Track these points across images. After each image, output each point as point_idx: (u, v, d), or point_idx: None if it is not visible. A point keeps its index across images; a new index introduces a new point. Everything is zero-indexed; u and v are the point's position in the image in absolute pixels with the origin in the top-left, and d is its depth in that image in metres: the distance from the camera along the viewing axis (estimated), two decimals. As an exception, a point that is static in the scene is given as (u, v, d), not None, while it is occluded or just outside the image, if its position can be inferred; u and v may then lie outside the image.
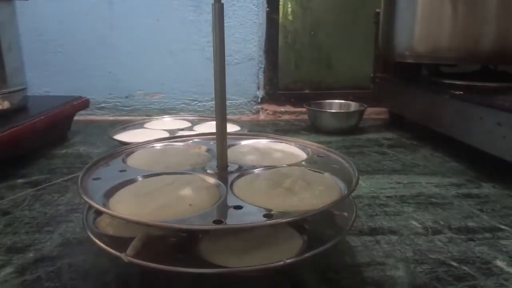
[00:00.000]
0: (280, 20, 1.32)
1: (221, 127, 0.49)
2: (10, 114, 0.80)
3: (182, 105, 1.31)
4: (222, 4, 0.44)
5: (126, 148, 0.58)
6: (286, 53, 1.36)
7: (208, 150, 0.58)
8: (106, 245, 0.39)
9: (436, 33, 0.90)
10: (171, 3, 1.24)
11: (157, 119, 1.06)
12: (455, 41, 0.87)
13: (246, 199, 0.41)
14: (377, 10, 1.13)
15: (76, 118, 1.02)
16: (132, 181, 0.46)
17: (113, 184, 0.45)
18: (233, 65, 1.29)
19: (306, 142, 0.60)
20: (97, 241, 0.40)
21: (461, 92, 0.82)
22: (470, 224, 0.56)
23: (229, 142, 0.52)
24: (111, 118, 1.28)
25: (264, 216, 0.38)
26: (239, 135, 0.65)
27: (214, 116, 0.49)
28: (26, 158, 0.81)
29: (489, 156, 0.70)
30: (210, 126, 0.95)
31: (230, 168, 0.50)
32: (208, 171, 0.49)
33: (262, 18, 1.28)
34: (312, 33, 1.36)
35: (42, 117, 0.82)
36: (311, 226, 0.44)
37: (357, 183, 0.44)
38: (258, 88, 1.33)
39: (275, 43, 1.31)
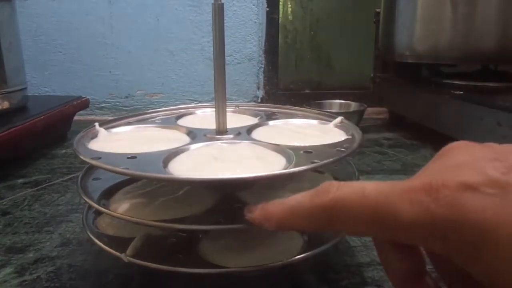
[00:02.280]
0: (280, 20, 1.32)
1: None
2: (10, 114, 0.80)
3: (182, 105, 1.31)
4: (222, 3, 0.44)
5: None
6: (286, 53, 1.36)
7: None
8: (106, 245, 0.39)
9: (436, 33, 0.90)
10: (171, 3, 1.24)
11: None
12: (455, 41, 0.87)
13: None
14: (377, 10, 1.13)
15: (76, 118, 1.02)
16: (132, 180, 0.46)
17: (113, 184, 0.45)
18: (233, 65, 1.29)
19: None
20: (97, 241, 0.40)
21: (461, 92, 0.82)
22: (470, 224, 0.55)
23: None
24: (111, 118, 1.27)
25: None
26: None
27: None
28: (26, 158, 0.81)
29: (489, 156, 0.70)
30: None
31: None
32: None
33: (262, 18, 1.28)
34: (312, 33, 1.36)
35: (42, 117, 0.81)
36: (311, 226, 0.44)
37: (357, 183, 0.44)
38: (258, 88, 1.33)
39: (275, 43, 1.31)
